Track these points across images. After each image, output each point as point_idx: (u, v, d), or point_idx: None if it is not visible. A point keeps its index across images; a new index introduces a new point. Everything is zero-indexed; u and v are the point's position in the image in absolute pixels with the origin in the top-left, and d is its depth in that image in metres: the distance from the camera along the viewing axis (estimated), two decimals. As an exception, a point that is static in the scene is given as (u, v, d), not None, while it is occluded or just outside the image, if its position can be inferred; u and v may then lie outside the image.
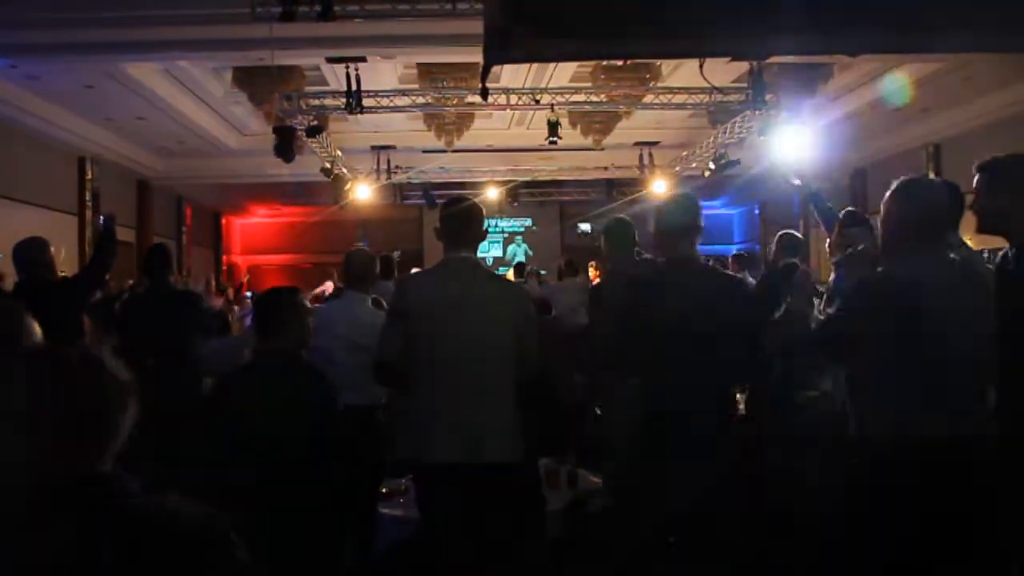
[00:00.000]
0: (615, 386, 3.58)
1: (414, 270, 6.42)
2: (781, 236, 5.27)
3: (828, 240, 3.72)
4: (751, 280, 4.51)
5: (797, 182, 4.48)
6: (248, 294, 10.85)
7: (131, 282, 9.02)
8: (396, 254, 9.03)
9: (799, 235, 5.40)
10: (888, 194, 2.59)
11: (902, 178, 2.62)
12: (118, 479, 1.28)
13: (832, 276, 3.07)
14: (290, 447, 2.69)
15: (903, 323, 2.36)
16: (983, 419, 2.38)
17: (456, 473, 2.87)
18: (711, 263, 3.68)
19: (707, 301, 2.85)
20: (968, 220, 2.62)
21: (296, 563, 2.64)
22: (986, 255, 3.43)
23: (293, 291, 3.13)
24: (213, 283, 11.59)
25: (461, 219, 3.08)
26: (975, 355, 2.37)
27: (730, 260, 8.33)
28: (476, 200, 3.23)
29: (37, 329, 1.98)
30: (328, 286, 7.64)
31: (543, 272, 11.48)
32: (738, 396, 3.84)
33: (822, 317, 2.71)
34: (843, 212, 3.86)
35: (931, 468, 2.31)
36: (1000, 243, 2.52)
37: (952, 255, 2.57)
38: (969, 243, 3.08)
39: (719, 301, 2.88)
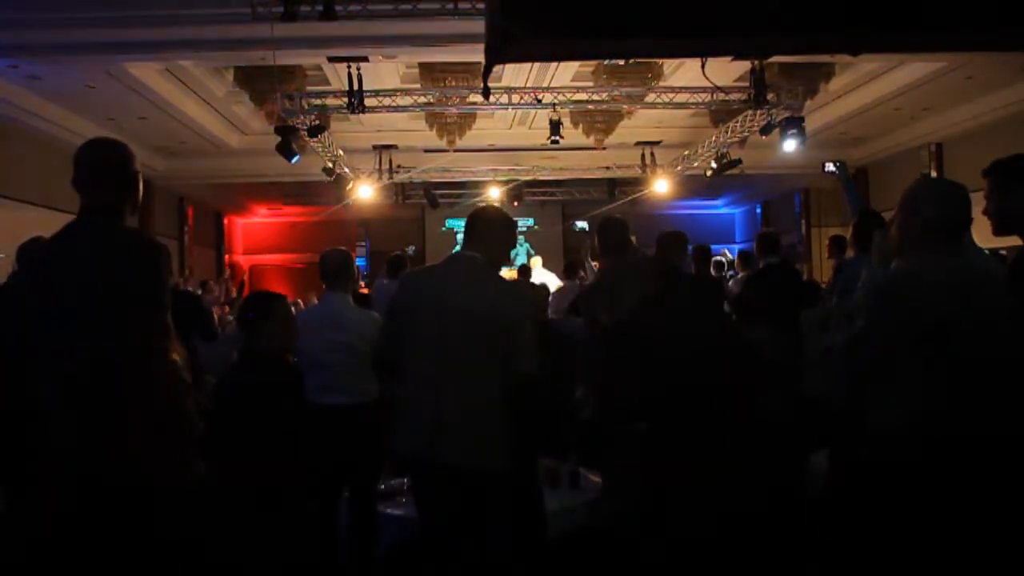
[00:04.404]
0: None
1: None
2: (761, 236, 5.34)
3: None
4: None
5: (832, 168, 4.58)
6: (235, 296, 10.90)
7: None
8: (410, 250, 9.03)
9: (777, 233, 5.50)
10: (908, 193, 2.58)
11: (921, 178, 2.62)
12: None
13: (834, 276, 3.07)
14: (266, 445, 2.85)
15: (925, 323, 2.35)
16: (1013, 418, 2.35)
17: (421, 467, 2.91)
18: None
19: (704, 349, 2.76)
20: (981, 224, 2.63)
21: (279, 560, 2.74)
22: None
23: (277, 297, 3.41)
24: (212, 285, 11.61)
25: (470, 219, 3.11)
26: (1000, 354, 2.36)
27: (736, 259, 8.36)
28: (484, 201, 3.22)
29: None
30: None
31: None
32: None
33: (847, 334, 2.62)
34: (862, 211, 3.92)
35: (951, 466, 2.30)
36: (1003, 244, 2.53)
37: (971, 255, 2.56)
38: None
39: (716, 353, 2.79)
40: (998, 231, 2.53)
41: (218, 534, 2.67)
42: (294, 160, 9.23)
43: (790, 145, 9.03)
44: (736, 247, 15.82)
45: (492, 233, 3.06)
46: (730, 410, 2.78)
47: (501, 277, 3.11)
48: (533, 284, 6.59)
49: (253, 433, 2.89)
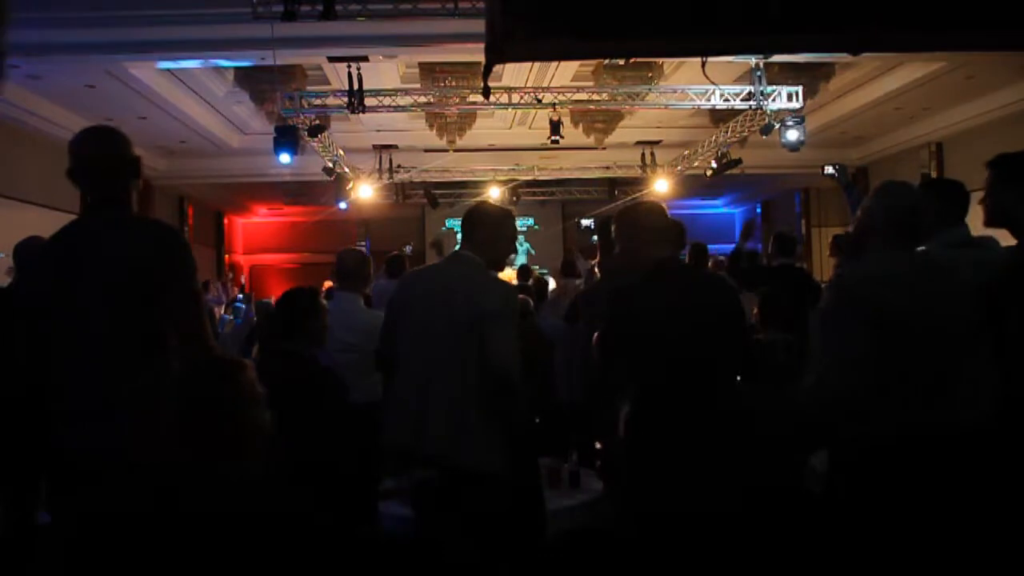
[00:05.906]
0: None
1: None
2: (775, 236, 5.36)
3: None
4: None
5: (832, 170, 4.61)
6: (240, 296, 10.88)
7: None
8: (407, 249, 9.01)
9: (792, 235, 5.52)
10: (867, 196, 2.62)
11: (882, 181, 2.66)
12: None
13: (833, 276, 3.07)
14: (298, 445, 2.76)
15: (869, 319, 2.35)
16: (955, 415, 2.35)
17: (411, 463, 2.94)
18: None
19: (698, 315, 2.82)
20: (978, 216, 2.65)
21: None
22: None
23: (314, 291, 3.36)
24: (212, 285, 11.60)
25: (464, 218, 3.14)
26: (945, 352, 2.35)
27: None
28: (482, 200, 3.23)
29: None
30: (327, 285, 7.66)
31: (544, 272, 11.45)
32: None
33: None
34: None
35: (898, 465, 2.31)
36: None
37: (925, 252, 2.55)
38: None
39: (708, 315, 2.85)
40: (988, 223, 2.56)
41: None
42: (286, 160, 9.20)
43: (793, 135, 9.03)
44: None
45: (485, 231, 3.08)
46: (729, 409, 2.79)
47: (488, 274, 3.08)
48: (525, 286, 6.57)
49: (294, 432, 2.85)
